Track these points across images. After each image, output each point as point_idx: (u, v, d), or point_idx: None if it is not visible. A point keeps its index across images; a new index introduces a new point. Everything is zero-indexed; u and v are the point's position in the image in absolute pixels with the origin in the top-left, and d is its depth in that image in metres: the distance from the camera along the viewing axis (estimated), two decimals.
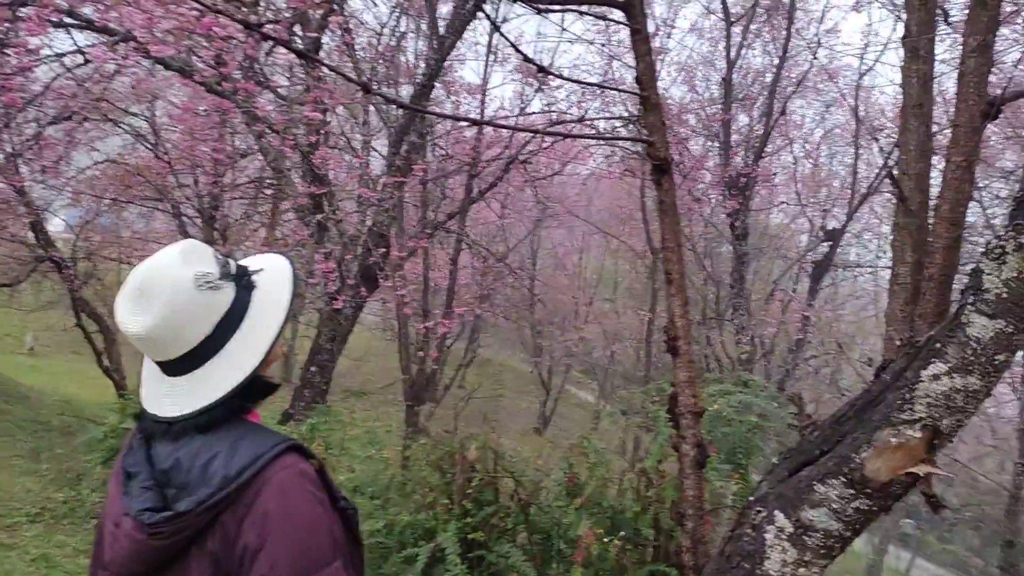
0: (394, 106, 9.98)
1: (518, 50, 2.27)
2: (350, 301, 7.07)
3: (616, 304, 24.20)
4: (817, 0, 20.20)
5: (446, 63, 9.23)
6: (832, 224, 12.71)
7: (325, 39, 9.77)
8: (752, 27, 11.63)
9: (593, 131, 7.72)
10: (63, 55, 5.71)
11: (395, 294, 7.34)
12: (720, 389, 4.31)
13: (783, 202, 15.06)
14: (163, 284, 1.31)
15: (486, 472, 3.85)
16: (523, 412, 23.08)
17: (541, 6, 2.49)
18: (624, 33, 10.04)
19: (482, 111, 10.98)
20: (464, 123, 9.53)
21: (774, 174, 13.32)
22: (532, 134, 7.96)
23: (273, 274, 1.46)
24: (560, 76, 2.84)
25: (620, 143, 8.63)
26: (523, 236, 20.03)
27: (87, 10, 4.54)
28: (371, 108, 9.29)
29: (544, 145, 8.57)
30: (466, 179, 10.52)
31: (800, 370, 12.84)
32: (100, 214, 11.92)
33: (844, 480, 2.18)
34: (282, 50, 8.72)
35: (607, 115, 7.91)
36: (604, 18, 3.70)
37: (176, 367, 1.35)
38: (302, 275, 6.97)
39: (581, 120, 7.60)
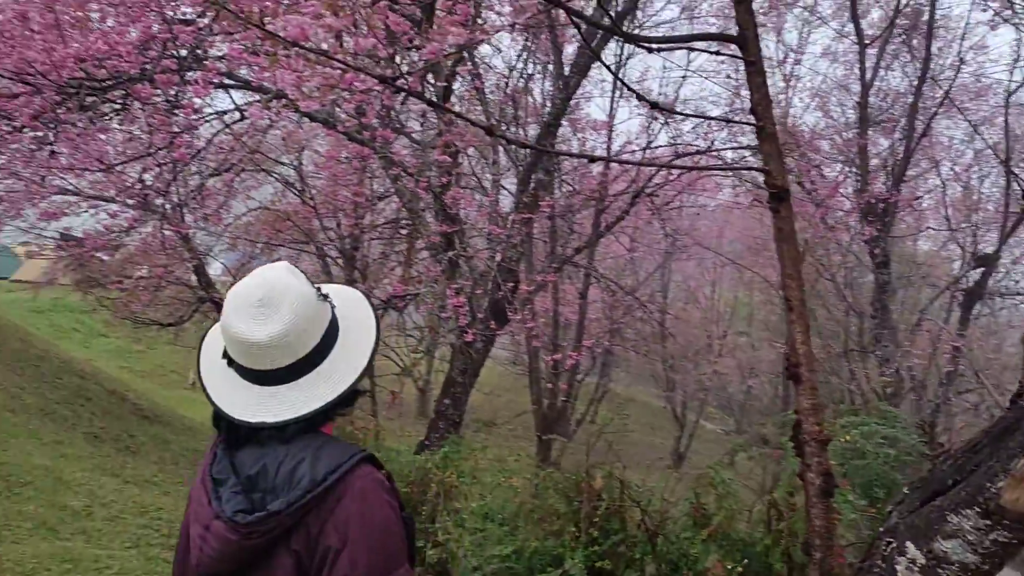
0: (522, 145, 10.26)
1: (630, 88, 2.37)
2: (480, 335, 7.28)
3: (751, 337, 23.54)
4: (960, 17, 19.28)
5: (572, 101, 9.46)
6: (985, 249, 11.94)
7: (456, 84, 10.24)
8: (889, 48, 11.23)
9: (719, 161, 7.67)
10: (223, 113, 6.29)
11: (524, 328, 7.50)
12: (853, 420, 4.17)
13: (930, 227, 14.27)
14: (289, 295, 1.44)
15: (612, 501, 3.89)
16: (656, 448, 22.68)
17: (653, 44, 2.58)
18: None
19: (608, 146, 11.10)
20: (586, 173, 9.69)
21: (918, 198, 12.66)
22: (657, 168, 8.00)
23: (345, 298, 1.60)
24: (672, 111, 2.92)
25: (743, 172, 8.53)
26: (653, 269, 19.90)
27: (244, 71, 5.00)
28: (500, 148, 9.61)
29: (670, 177, 8.58)
30: (594, 214, 10.66)
31: (954, 405, 12.04)
32: (254, 257, 12.82)
33: (979, 510, 2.11)
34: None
35: (733, 145, 7.84)
36: (718, 52, 3.75)
37: (281, 376, 1.46)
38: (435, 311, 7.26)
39: (707, 151, 7.57)
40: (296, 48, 2.81)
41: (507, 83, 10.15)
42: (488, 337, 7.63)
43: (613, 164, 10.73)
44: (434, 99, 7.17)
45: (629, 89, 2.44)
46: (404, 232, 9.42)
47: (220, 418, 1.51)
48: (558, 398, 14.29)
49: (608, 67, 3.16)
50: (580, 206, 9.95)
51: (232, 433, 1.50)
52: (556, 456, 13.39)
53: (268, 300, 1.43)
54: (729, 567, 3.50)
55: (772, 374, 20.62)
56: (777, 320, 20.81)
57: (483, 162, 10.83)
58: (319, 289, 1.52)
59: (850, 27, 11.06)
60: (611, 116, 13.19)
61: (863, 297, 14.21)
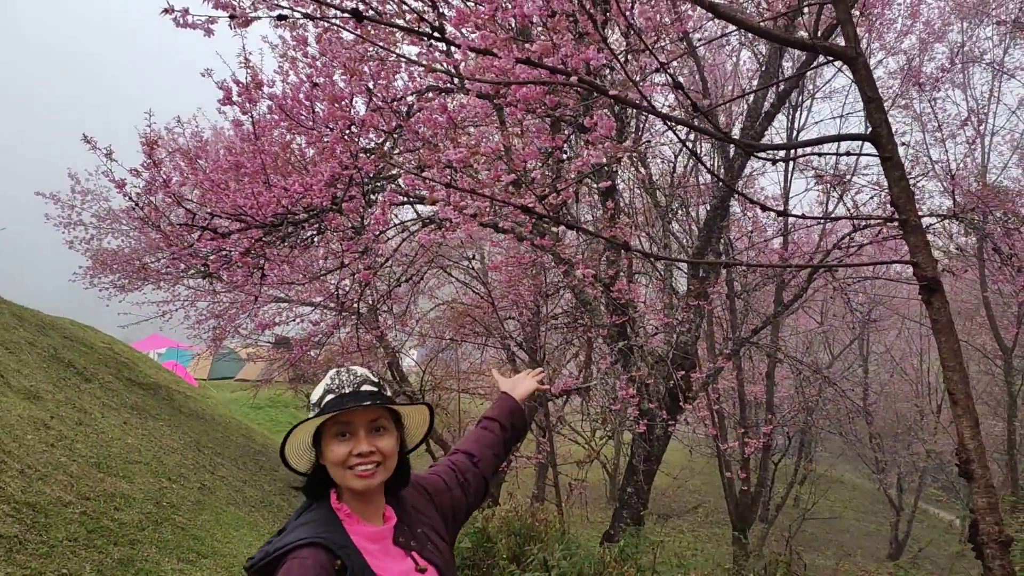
0: (691, 227, 10.31)
1: (750, 199, 2.45)
2: (661, 424, 7.28)
3: None
4: None
5: (742, 179, 9.42)
6: None
7: (627, 174, 10.53)
8: None
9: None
10: (406, 224, 6.89)
11: (707, 411, 7.42)
12: None
13: None
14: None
15: None
16: (871, 535, 20.93)
17: (779, 153, 2.64)
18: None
19: (785, 223, 10.87)
20: (765, 238, 9.53)
21: None
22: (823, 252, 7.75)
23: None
24: (802, 216, 2.92)
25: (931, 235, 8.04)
26: (849, 342, 18.86)
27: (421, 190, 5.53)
28: (671, 233, 9.72)
29: (850, 252, 8.27)
30: (775, 292, 10.40)
31: None
32: (441, 350, 13.58)
33: None
34: (584, 189, 9.56)
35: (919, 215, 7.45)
36: (848, 153, 3.69)
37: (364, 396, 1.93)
38: (607, 403, 7.36)
39: (887, 220, 7.25)
40: (448, 187, 3.15)
41: (674, 167, 10.29)
42: (665, 425, 7.60)
43: (792, 242, 10.51)
44: (600, 195, 7.46)
45: (750, 200, 2.51)
46: (578, 324, 9.66)
47: None
48: (750, 482, 13.71)
49: (715, 174, 3.20)
50: (756, 285, 9.75)
51: None
52: (755, 543, 12.78)
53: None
54: None
55: (999, 452, 18.66)
56: (1000, 391, 18.93)
57: (655, 247, 10.95)
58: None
59: None
60: (785, 191, 12.97)
61: None
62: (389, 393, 1.92)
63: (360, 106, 4.61)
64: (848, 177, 8.93)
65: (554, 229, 5.88)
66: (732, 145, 6.53)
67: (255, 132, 4.65)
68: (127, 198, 4.72)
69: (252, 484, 10.58)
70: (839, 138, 2.65)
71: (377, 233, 5.21)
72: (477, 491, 2.21)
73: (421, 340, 13.20)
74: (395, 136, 5.27)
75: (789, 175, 12.89)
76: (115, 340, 14.81)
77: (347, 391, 1.80)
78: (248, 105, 4.31)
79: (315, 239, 5.28)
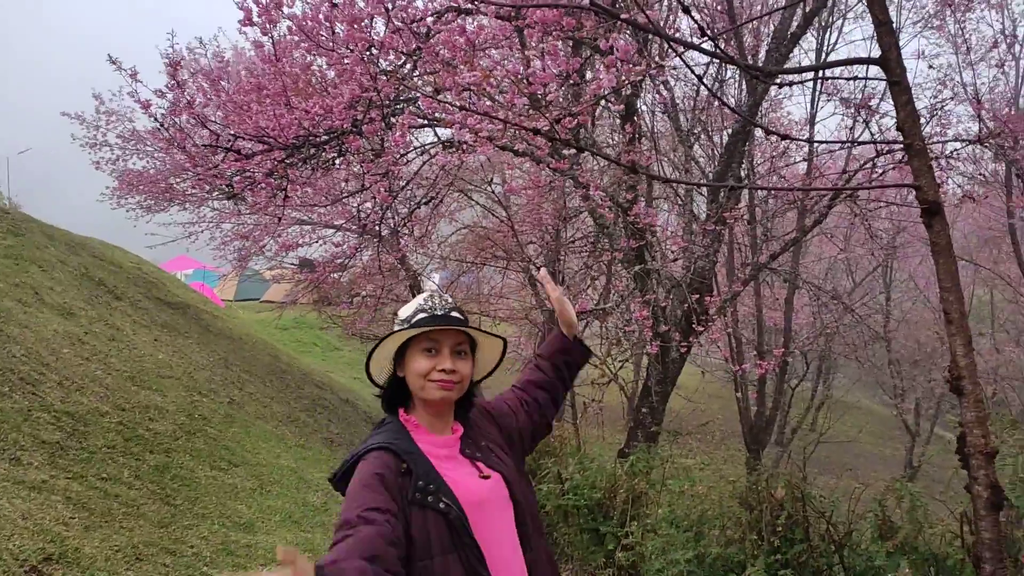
0: (711, 151, 10.24)
1: (768, 130, 2.50)
2: (676, 346, 7.41)
3: (994, 339, 21.40)
4: None
5: (767, 102, 9.31)
6: None
7: (648, 97, 10.42)
8: None
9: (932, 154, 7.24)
10: (425, 148, 6.94)
11: (711, 338, 7.54)
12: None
13: None
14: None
15: (795, 511, 3.93)
16: (887, 459, 21.25)
17: (789, 78, 2.68)
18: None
19: (811, 141, 10.74)
20: (787, 163, 9.46)
21: None
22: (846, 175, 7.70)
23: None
24: (811, 140, 2.96)
25: (955, 162, 7.96)
26: (872, 269, 18.75)
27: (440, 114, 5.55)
28: (692, 158, 9.67)
29: (874, 176, 8.19)
30: (797, 217, 10.35)
31: None
32: (462, 274, 13.73)
33: None
34: (606, 113, 9.49)
35: (942, 140, 7.36)
36: (856, 78, 3.65)
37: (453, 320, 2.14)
38: (620, 324, 7.49)
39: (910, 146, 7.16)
40: (463, 110, 3.21)
41: (697, 90, 10.16)
42: (680, 348, 7.73)
43: (816, 166, 10.42)
44: (619, 118, 7.44)
45: (767, 131, 2.57)
46: (597, 248, 9.73)
47: None
48: (765, 405, 13.92)
49: (730, 107, 3.18)
50: (777, 210, 9.73)
51: None
52: (769, 466, 13.05)
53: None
54: None
55: (1018, 380, 18.69)
56: (1022, 320, 18.85)
57: (676, 172, 10.90)
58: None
59: None
60: (812, 114, 12.77)
61: None
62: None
63: (380, 27, 4.63)
64: (874, 102, 8.78)
65: (567, 152, 5.90)
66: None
67: (276, 54, 4.70)
68: (153, 119, 4.82)
69: (278, 401, 10.94)
70: (849, 62, 2.67)
71: (398, 156, 5.27)
72: (539, 421, 2.31)
73: (443, 263, 13.35)
74: (414, 58, 5.28)
75: (816, 98, 12.68)
76: (143, 260, 15.12)
77: (439, 313, 1.99)
78: (268, 26, 4.35)
79: (336, 161, 5.37)
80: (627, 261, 7.42)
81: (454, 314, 2.01)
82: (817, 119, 12.81)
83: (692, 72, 3.48)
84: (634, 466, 5.47)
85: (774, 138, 9.94)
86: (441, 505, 1.83)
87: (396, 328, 2.04)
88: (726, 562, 3.99)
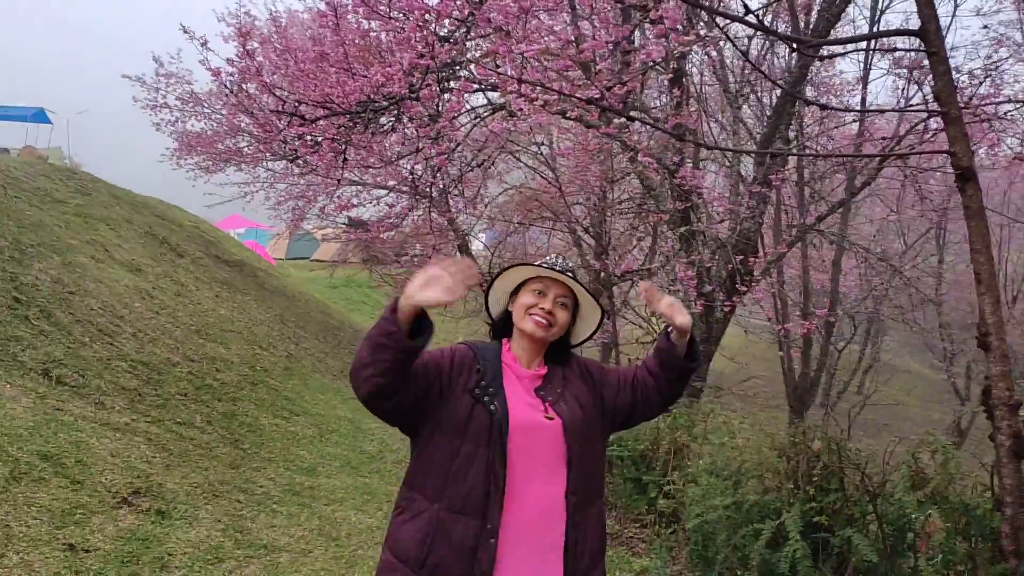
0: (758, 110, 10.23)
1: (808, 101, 2.63)
2: (720, 305, 7.55)
3: None
4: None
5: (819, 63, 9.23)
6: None
7: (697, 58, 10.40)
8: None
9: (979, 117, 7.19)
10: (476, 110, 7.12)
11: (754, 297, 7.66)
12: None
13: None
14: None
15: (829, 462, 4.12)
16: (935, 423, 21.11)
17: (835, 48, 2.79)
18: None
19: (848, 110, 10.63)
20: (836, 124, 9.41)
21: None
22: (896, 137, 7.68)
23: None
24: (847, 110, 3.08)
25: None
26: (924, 232, 18.47)
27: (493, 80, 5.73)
28: (740, 119, 9.67)
29: (926, 136, 8.15)
30: (847, 179, 10.30)
31: None
32: (509, 234, 13.93)
33: None
34: (653, 75, 9.53)
35: (994, 101, 7.29)
36: (895, 49, 3.69)
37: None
38: (665, 283, 7.65)
39: (966, 106, 7.12)
40: (520, 81, 3.39)
41: (747, 51, 10.11)
42: (725, 308, 7.87)
43: (866, 127, 10.32)
44: (668, 81, 7.52)
45: (807, 102, 2.70)
46: (644, 209, 9.84)
47: None
48: (810, 367, 13.97)
49: (775, 82, 3.27)
50: (825, 172, 9.72)
51: None
52: (808, 426, 13.14)
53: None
54: (946, 527, 3.62)
55: None
56: None
57: (724, 133, 10.92)
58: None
59: None
60: (865, 75, 12.58)
61: None
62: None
63: None
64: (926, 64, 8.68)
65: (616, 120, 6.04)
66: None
67: (336, 19, 4.91)
68: (223, 86, 5.08)
69: (333, 356, 11.36)
70: (888, 33, 2.79)
71: (452, 118, 5.48)
72: (640, 409, 2.33)
73: (490, 224, 13.56)
74: (468, 24, 5.45)
75: (868, 58, 12.47)
76: (200, 219, 15.63)
77: (557, 268, 2.26)
78: None
79: (393, 125, 5.59)
80: (673, 223, 7.55)
81: (569, 272, 2.25)
82: (871, 78, 12.62)
83: (736, 47, 3.60)
84: (676, 420, 5.70)
85: (823, 99, 9.90)
86: (492, 406, 2.05)
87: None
88: (762, 509, 4.20)
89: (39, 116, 21.60)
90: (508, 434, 2.02)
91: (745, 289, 6.73)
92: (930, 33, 2.72)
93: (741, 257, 6.95)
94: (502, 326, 2.34)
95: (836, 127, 9.73)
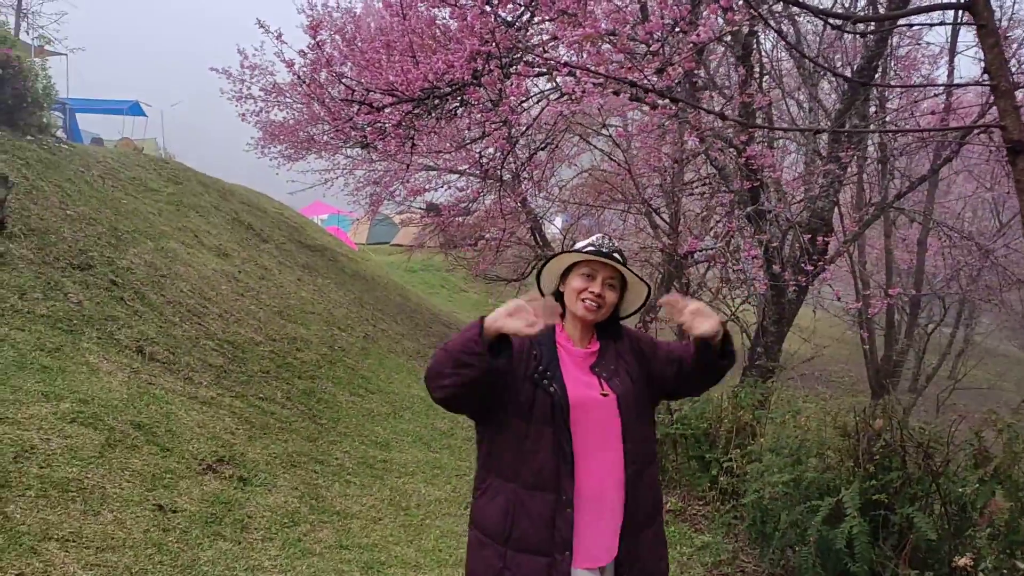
0: (836, 86, 9.97)
1: (815, 62, 2.63)
2: (784, 284, 7.46)
3: None
4: None
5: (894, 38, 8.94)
6: None
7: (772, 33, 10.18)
8: None
9: None
10: (541, 96, 7.22)
11: (824, 278, 7.54)
12: None
13: None
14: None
15: (891, 440, 4.09)
16: None
17: (878, 21, 2.78)
18: None
19: (950, 71, 10.21)
20: (915, 100, 9.10)
21: None
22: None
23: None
24: (873, 84, 3.03)
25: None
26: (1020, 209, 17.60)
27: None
28: (816, 96, 9.45)
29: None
30: (932, 155, 9.95)
31: None
32: (583, 217, 13.98)
33: None
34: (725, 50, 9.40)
35: None
36: (942, 23, 3.58)
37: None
38: (730, 264, 7.59)
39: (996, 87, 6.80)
40: (566, 65, 3.48)
41: (823, 28, 9.85)
42: (800, 287, 7.77)
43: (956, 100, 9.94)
44: (738, 57, 7.43)
45: (819, 65, 2.70)
46: (715, 189, 9.75)
47: None
48: (893, 349, 13.58)
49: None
50: (906, 149, 9.43)
51: None
52: (901, 412, 12.79)
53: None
54: (1010, 506, 3.57)
55: None
56: None
57: (801, 110, 10.68)
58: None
59: None
60: (952, 46, 12.07)
61: None
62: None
63: None
64: (1017, 32, 8.32)
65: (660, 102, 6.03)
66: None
67: (403, 12, 5.08)
68: (295, 76, 5.33)
69: (409, 337, 11.68)
70: (936, 7, 2.76)
71: (518, 104, 5.60)
72: (671, 387, 2.46)
73: (563, 207, 13.63)
74: (532, 8, 5.55)
75: (956, 30, 11.95)
76: (284, 206, 16.22)
77: (604, 250, 2.37)
78: None
79: (458, 111, 5.75)
80: (742, 202, 7.49)
81: (615, 255, 2.36)
82: (959, 50, 12.11)
83: (780, 34, 3.59)
84: (740, 399, 5.72)
85: (904, 73, 9.60)
86: (552, 388, 2.22)
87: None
88: (821, 486, 4.21)
89: (134, 109, 22.66)
90: (569, 412, 2.21)
91: (812, 268, 6.64)
92: (979, 5, 2.70)
93: (810, 236, 6.85)
94: None
95: (915, 101, 9.41)
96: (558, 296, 2.45)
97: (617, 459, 2.26)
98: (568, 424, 2.20)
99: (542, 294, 2.49)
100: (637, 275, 2.43)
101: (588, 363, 2.36)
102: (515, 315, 2.05)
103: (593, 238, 2.46)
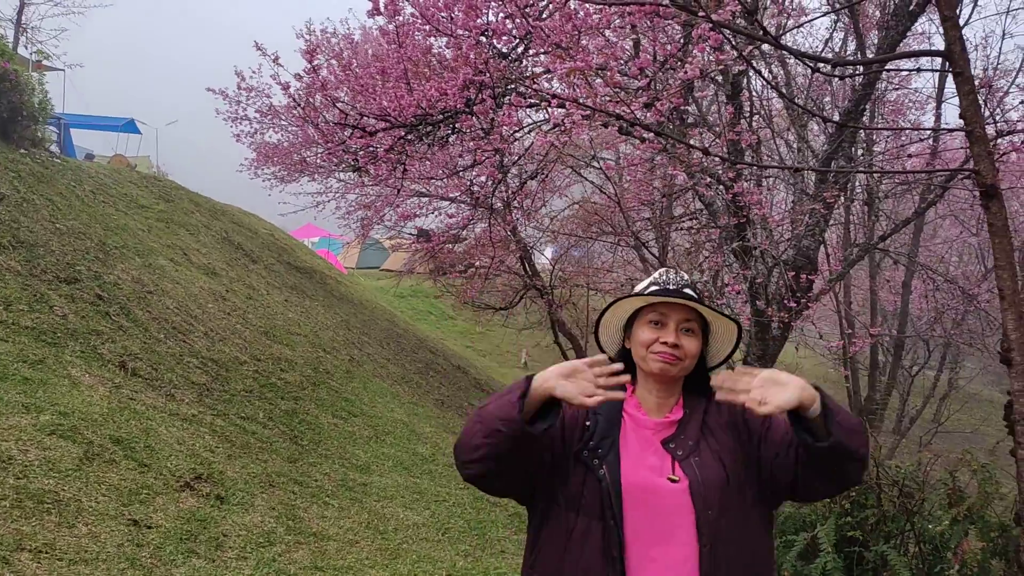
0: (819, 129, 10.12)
1: (806, 109, 2.71)
2: (778, 319, 7.52)
3: None
4: None
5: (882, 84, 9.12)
6: None
7: (765, 72, 10.36)
8: None
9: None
10: (532, 127, 7.32)
11: (806, 317, 7.60)
12: None
13: None
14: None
15: (867, 477, 4.13)
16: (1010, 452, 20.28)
17: (864, 64, 2.86)
18: None
19: (937, 116, 10.36)
20: (901, 145, 9.27)
21: None
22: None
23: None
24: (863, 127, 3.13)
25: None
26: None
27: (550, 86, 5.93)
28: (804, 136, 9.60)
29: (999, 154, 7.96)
30: (919, 197, 10.10)
31: None
32: (572, 247, 14.09)
33: None
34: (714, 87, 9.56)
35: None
36: (919, 70, 3.68)
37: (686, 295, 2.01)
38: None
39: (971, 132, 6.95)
40: (554, 96, 3.56)
41: (813, 71, 10.03)
42: (784, 324, 7.83)
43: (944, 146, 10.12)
44: (727, 95, 7.57)
45: (805, 110, 2.79)
46: (702, 225, 9.86)
47: None
48: (876, 389, 13.66)
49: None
50: (891, 191, 9.57)
51: None
52: (884, 454, 12.85)
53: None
54: (980, 547, 3.60)
55: None
56: None
57: (791, 150, 10.84)
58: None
59: None
60: (939, 90, 12.30)
61: None
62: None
63: (491, 16, 5.02)
64: (1002, 82, 8.48)
65: (667, 132, 6.13)
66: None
67: (399, 40, 5.17)
68: (291, 99, 5.40)
69: (394, 362, 11.67)
70: (916, 54, 2.85)
71: (509, 133, 5.68)
72: (805, 492, 1.79)
73: (553, 237, 13.73)
74: (526, 41, 5.65)
75: (943, 77, 12.19)
76: (275, 227, 16.26)
77: (671, 287, 1.85)
78: (394, 16, 4.82)
79: (450, 138, 5.83)
80: (728, 238, 7.57)
81: (687, 290, 1.86)
82: (945, 97, 12.35)
83: (763, 77, 3.68)
84: None
85: (892, 117, 9.77)
86: (601, 470, 1.74)
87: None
88: (797, 521, 4.24)
89: (129, 127, 22.76)
90: (622, 505, 1.70)
91: (796, 306, 6.71)
92: (955, 54, 2.79)
93: (794, 274, 6.93)
94: (626, 366, 1.79)
95: (902, 146, 9.58)
96: (625, 355, 1.92)
97: (691, 570, 1.68)
98: (620, 517, 1.69)
99: (610, 359, 1.88)
100: (720, 311, 1.91)
101: (661, 437, 1.80)
102: (572, 378, 1.62)
103: (655, 274, 1.94)
